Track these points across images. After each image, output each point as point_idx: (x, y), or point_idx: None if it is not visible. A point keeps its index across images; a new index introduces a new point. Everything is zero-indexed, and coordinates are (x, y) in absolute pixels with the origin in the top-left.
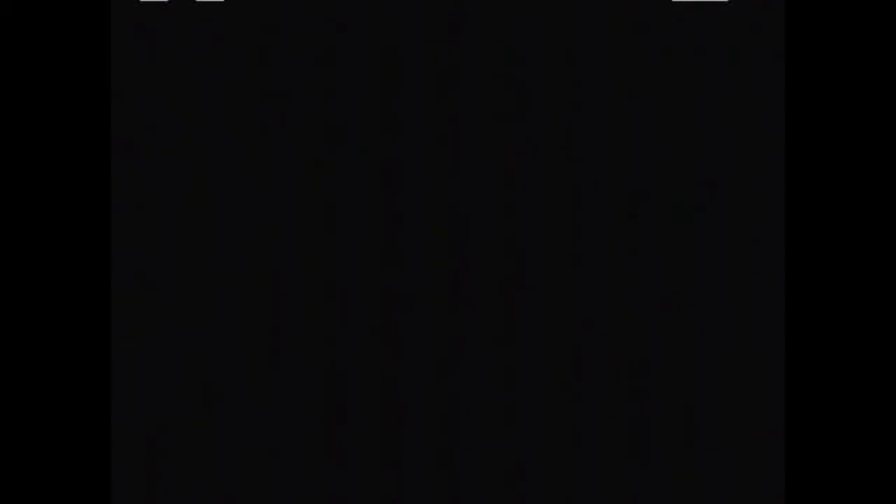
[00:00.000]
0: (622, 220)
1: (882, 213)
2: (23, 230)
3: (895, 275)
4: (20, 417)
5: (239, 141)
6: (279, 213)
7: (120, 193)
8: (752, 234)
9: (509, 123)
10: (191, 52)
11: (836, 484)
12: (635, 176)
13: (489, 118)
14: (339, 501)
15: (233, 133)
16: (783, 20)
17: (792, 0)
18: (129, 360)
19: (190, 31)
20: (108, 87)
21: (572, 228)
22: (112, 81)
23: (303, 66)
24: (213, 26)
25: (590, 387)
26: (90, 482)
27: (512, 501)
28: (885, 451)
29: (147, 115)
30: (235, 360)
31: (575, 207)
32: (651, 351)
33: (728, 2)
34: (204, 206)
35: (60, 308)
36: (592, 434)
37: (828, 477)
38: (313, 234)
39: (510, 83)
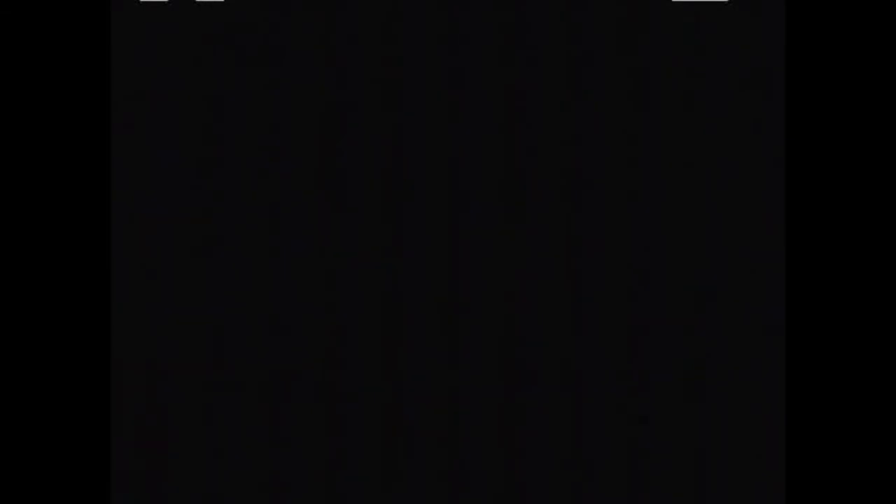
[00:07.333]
0: (621, 228)
1: (882, 213)
2: (23, 229)
3: (895, 275)
4: (20, 417)
5: (239, 141)
6: (279, 213)
7: (120, 194)
8: (752, 234)
9: (508, 123)
10: (191, 52)
11: (836, 484)
12: (635, 176)
13: (488, 118)
14: (340, 501)
15: (233, 133)
16: (783, 20)
17: (792, 0)
18: (130, 360)
19: (190, 31)
20: (108, 87)
21: (572, 228)
22: (112, 81)
23: (303, 66)
24: (213, 26)
25: (590, 387)
26: (90, 482)
27: (512, 501)
28: (885, 451)
29: (147, 115)
30: (235, 359)
31: (574, 207)
32: (651, 351)
33: (728, 2)
34: (204, 206)
35: (60, 308)
36: (593, 434)
37: (828, 477)
38: (313, 234)
39: (509, 83)
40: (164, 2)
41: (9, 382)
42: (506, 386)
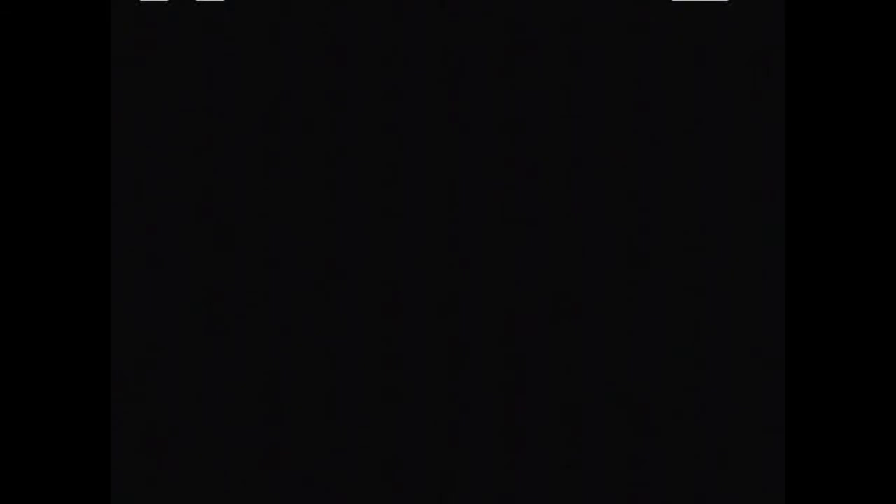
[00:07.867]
0: (621, 228)
1: (882, 213)
2: (23, 229)
3: (895, 275)
4: (20, 417)
5: (238, 141)
6: (279, 214)
7: (120, 194)
8: (752, 233)
9: (508, 124)
10: (191, 52)
11: (837, 484)
12: (635, 176)
13: (487, 119)
14: (338, 501)
15: (232, 133)
16: (783, 20)
17: (792, 0)
18: (129, 361)
19: (190, 31)
20: (108, 87)
21: (571, 228)
22: (112, 81)
23: (302, 66)
24: (213, 26)
25: (590, 387)
26: (90, 482)
27: (512, 501)
28: (885, 451)
29: (147, 115)
30: (234, 359)
31: (575, 207)
32: (651, 352)
33: (728, 2)
34: (204, 206)
35: (60, 308)
36: (593, 434)
37: (828, 478)
38: (313, 235)
39: (509, 83)
40: (164, 2)
41: (9, 382)
42: (505, 386)
